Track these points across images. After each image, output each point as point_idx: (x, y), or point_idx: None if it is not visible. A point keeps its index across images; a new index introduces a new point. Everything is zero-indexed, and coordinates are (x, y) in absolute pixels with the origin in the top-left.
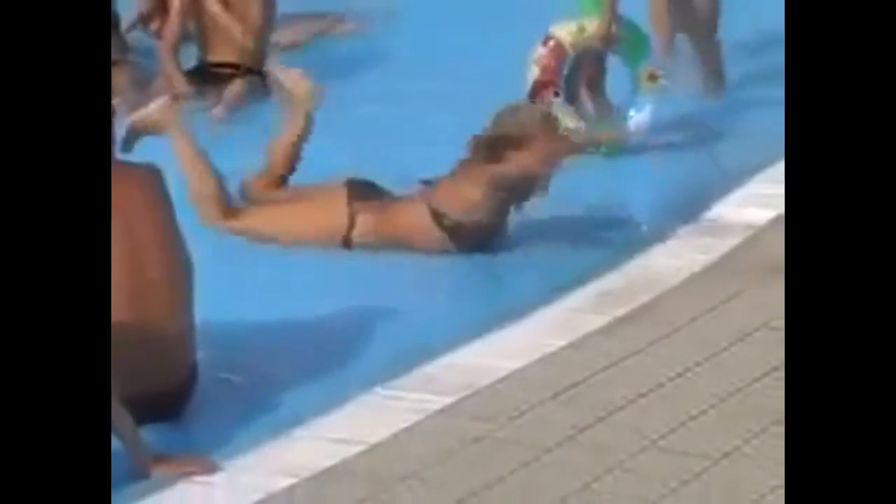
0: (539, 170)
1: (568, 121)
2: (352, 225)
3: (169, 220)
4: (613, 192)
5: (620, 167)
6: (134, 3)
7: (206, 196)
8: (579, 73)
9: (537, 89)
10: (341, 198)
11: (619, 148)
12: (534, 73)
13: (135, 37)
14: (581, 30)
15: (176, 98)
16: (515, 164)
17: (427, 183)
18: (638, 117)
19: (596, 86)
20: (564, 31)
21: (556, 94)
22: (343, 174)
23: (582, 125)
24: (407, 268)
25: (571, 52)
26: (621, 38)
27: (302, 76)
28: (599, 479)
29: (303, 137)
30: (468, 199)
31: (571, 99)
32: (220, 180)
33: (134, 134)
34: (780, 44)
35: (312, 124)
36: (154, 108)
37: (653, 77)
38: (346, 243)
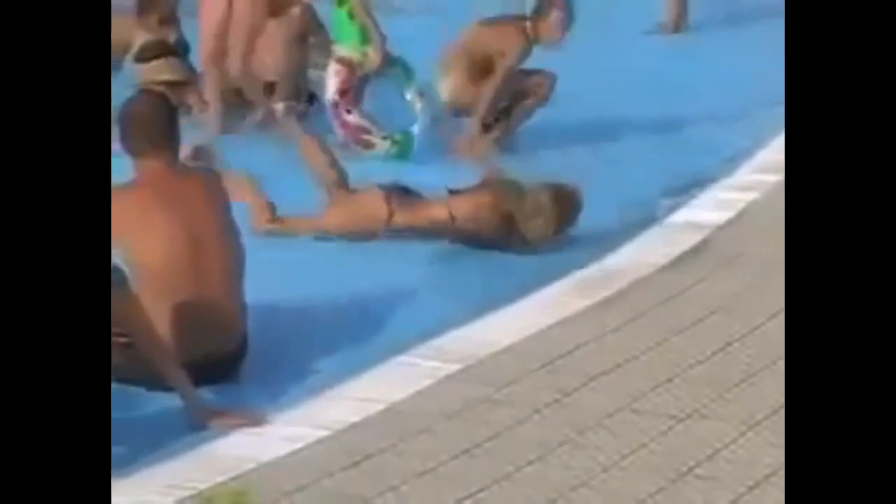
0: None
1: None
2: (390, 216)
3: (226, 214)
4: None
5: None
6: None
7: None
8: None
9: (340, 96)
10: (380, 196)
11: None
12: (334, 83)
13: None
14: (364, 55)
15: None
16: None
17: (453, 192)
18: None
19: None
20: (351, 54)
21: (354, 100)
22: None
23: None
24: (426, 259)
25: (359, 72)
26: (393, 65)
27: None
28: (582, 433)
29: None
30: (477, 212)
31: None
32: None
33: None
34: None
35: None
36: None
37: (421, 96)
38: (387, 229)
